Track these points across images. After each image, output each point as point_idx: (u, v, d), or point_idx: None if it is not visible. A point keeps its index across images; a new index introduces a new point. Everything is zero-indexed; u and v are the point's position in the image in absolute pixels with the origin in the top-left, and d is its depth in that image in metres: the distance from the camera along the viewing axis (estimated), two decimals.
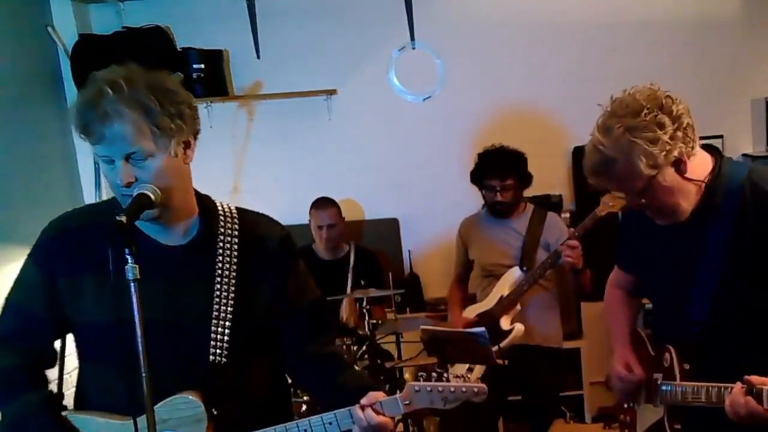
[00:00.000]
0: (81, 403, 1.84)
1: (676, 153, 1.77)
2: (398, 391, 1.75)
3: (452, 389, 1.69)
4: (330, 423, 1.71)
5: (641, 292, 2.29)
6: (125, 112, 1.57)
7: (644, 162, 1.76)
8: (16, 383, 1.77)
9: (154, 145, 1.61)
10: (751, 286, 1.84)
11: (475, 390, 1.69)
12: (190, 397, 1.69)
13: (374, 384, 1.87)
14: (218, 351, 1.73)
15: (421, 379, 1.73)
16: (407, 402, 1.70)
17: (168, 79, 1.67)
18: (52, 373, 1.88)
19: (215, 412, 1.70)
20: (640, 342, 2.19)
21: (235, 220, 1.81)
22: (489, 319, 3.46)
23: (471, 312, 3.65)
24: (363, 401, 1.69)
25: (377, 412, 1.69)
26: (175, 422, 1.64)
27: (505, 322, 3.49)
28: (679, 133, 1.77)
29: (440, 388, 1.69)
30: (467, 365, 3.46)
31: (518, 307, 3.50)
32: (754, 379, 1.67)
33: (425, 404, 1.71)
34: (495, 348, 3.27)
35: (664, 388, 1.99)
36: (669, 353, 1.99)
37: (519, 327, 3.45)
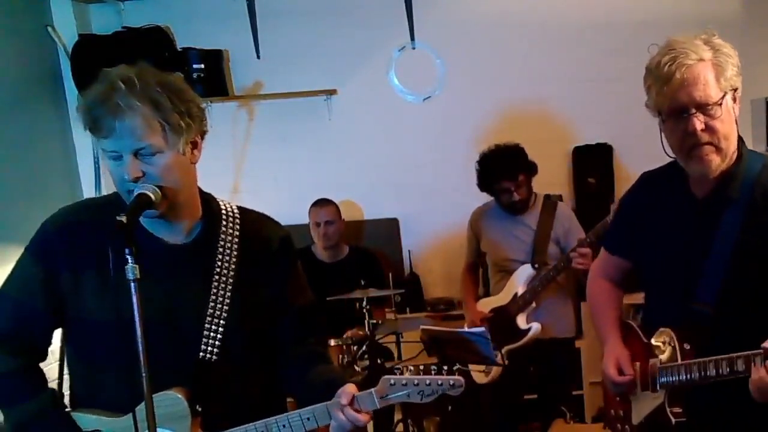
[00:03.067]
0: (74, 401, 1.84)
1: (739, 82, 1.88)
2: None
3: (428, 382, 1.65)
4: (308, 419, 1.70)
5: (629, 281, 2.27)
6: (137, 105, 1.57)
7: (730, 70, 1.85)
8: (19, 388, 1.77)
9: (163, 141, 1.61)
10: (761, 270, 1.86)
11: (451, 383, 1.65)
12: (174, 393, 1.69)
13: (340, 376, 1.82)
14: (209, 348, 1.73)
15: (397, 372, 1.70)
16: (383, 396, 1.67)
17: (177, 78, 1.68)
18: (52, 373, 1.88)
19: (199, 409, 1.71)
20: (631, 333, 2.18)
21: (237, 220, 1.82)
22: (504, 315, 3.52)
23: (485, 305, 3.69)
24: (342, 401, 1.66)
25: (356, 410, 1.67)
26: (161, 419, 1.64)
27: (521, 321, 3.52)
28: (739, 66, 1.88)
29: (416, 381, 1.65)
30: (483, 366, 3.49)
31: (533, 305, 3.53)
32: None
33: (402, 398, 1.67)
34: (510, 347, 3.31)
35: (664, 371, 1.98)
36: (668, 336, 1.99)
37: (536, 326, 3.48)
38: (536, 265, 3.54)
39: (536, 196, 3.68)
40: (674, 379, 1.94)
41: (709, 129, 1.83)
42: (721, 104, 1.83)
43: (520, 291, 3.55)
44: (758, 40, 4.40)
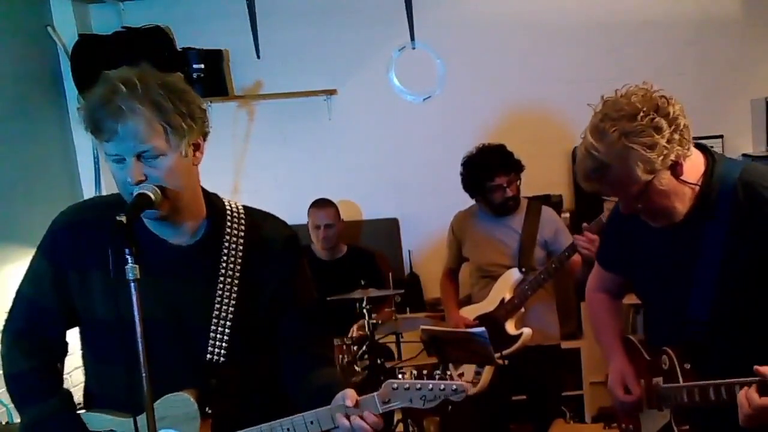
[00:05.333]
0: (87, 398, 1.85)
1: (672, 156, 1.73)
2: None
3: (431, 387, 1.63)
4: (311, 422, 1.69)
5: (625, 291, 2.26)
6: (138, 108, 1.57)
7: (641, 167, 1.72)
8: (33, 389, 1.78)
9: (165, 143, 1.61)
10: (750, 284, 1.82)
11: (454, 388, 1.64)
12: (184, 395, 1.69)
13: (338, 381, 1.80)
14: (216, 350, 1.73)
15: (401, 376, 1.68)
16: (386, 401, 1.65)
17: (179, 79, 1.68)
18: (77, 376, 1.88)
19: (209, 411, 1.71)
20: (633, 349, 2.16)
21: (242, 220, 1.81)
22: (491, 322, 3.41)
23: (469, 313, 3.61)
24: (348, 402, 1.64)
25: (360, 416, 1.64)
26: (170, 420, 1.64)
27: (510, 327, 3.44)
28: (676, 136, 1.73)
29: (418, 386, 1.63)
30: (474, 368, 3.46)
31: (522, 310, 3.45)
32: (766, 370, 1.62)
33: (404, 403, 1.65)
34: (501, 353, 3.27)
35: (667, 391, 1.96)
36: (667, 355, 1.97)
37: (527, 332, 3.40)
38: (523, 269, 3.47)
39: (520, 199, 3.62)
40: (677, 399, 1.92)
41: (645, 210, 1.83)
42: (643, 192, 1.77)
43: (508, 296, 3.47)
44: (758, 40, 4.40)
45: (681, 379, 1.91)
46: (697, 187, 1.83)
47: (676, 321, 1.93)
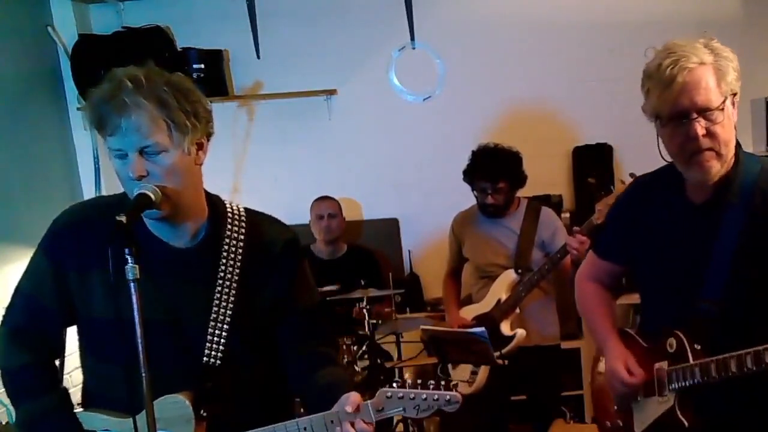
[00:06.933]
0: (85, 398, 1.85)
1: (738, 87, 1.85)
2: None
3: (424, 397, 1.63)
4: (305, 428, 1.68)
5: (617, 284, 2.25)
6: (142, 103, 1.58)
7: (730, 75, 1.82)
8: (29, 385, 1.78)
9: (168, 140, 1.61)
10: (765, 270, 1.83)
11: (447, 398, 1.64)
12: (179, 397, 1.69)
13: (344, 380, 1.81)
14: (213, 353, 1.73)
15: (395, 385, 1.66)
16: (379, 409, 1.64)
17: (185, 79, 1.69)
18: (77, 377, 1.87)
19: (204, 413, 1.71)
20: (629, 338, 2.14)
21: (243, 223, 1.81)
22: (487, 322, 3.41)
23: (468, 313, 3.61)
24: (348, 408, 1.63)
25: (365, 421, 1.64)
26: (165, 422, 1.64)
27: (505, 328, 3.44)
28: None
29: (412, 395, 1.63)
30: (470, 368, 3.46)
31: (517, 310, 3.46)
32: None
33: (398, 412, 1.65)
34: (497, 353, 3.28)
35: (676, 374, 1.93)
36: (675, 338, 1.94)
37: (521, 332, 3.40)
38: (519, 270, 3.47)
39: (519, 200, 3.61)
40: (688, 381, 1.90)
41: (710, 134, 1.80)
42: (722, 109, 1.80)
43: (504, 297, 3.47)
44: (758, 40, 4.40)
45: (691, 360, 1.89)
46: (731, 159, 1.87)
47: (686, 305, 1.92)
